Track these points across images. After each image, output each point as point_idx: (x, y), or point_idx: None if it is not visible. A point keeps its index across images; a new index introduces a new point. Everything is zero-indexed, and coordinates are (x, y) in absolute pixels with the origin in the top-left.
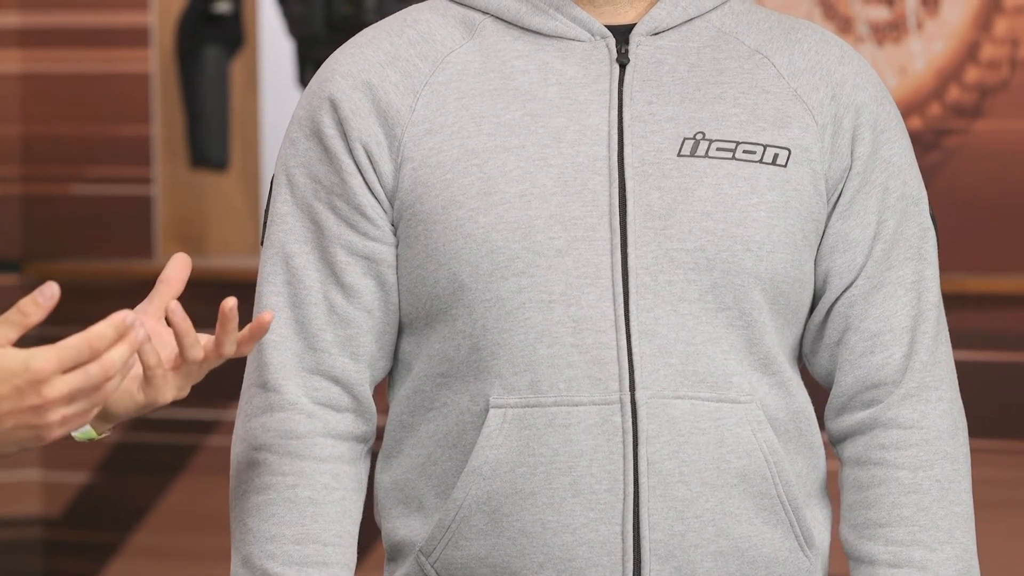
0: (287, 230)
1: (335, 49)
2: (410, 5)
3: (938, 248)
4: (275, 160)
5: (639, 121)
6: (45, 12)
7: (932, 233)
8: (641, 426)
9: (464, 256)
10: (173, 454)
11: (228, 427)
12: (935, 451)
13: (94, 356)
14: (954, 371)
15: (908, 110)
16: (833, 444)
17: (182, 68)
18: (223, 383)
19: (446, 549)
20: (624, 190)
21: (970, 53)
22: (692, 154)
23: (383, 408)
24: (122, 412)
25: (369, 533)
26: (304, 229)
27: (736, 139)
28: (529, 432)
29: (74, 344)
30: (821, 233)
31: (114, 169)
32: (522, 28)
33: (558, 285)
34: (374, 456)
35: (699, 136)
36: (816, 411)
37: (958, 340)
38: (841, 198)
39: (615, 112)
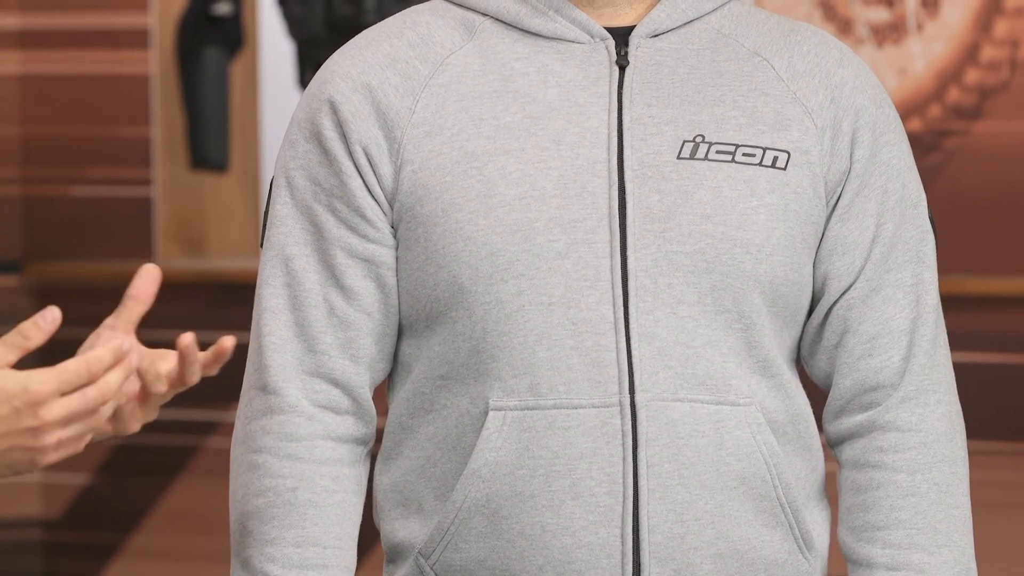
0: (287, 232)
1: (335, 51)
2: (410, 7)
3: (937, 250)
4: (275, 162)
5: (639, 124)
6: (45, 13)
7: (931, 236)
8: (640, 429)
9: (464, 259)
10: (173, 456)
11: (228, 429)
12: (933, 454)
13: (92, 380)
14: (952, 374)
15: (908, 111)
16: (831, 447)
17: (182, 69)
18: (223, 385)
19: (445, 551)
20: (624, 193)
21: (970, 54)
22: (692, 157)
23: (383, 410)
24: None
25: (368, 535)
26: (304, 231)
27: (736, 142)
28: (529, 434)
29: (73, 367)
30: (820, 236)
31: (114, 170)
32: (522, 30)
33: (558, 288)
34: (373, 458)
35: (699, 139)
36: (815, 413)
37: (957, 342)
38: (840, 201)
39: (615, 115)
